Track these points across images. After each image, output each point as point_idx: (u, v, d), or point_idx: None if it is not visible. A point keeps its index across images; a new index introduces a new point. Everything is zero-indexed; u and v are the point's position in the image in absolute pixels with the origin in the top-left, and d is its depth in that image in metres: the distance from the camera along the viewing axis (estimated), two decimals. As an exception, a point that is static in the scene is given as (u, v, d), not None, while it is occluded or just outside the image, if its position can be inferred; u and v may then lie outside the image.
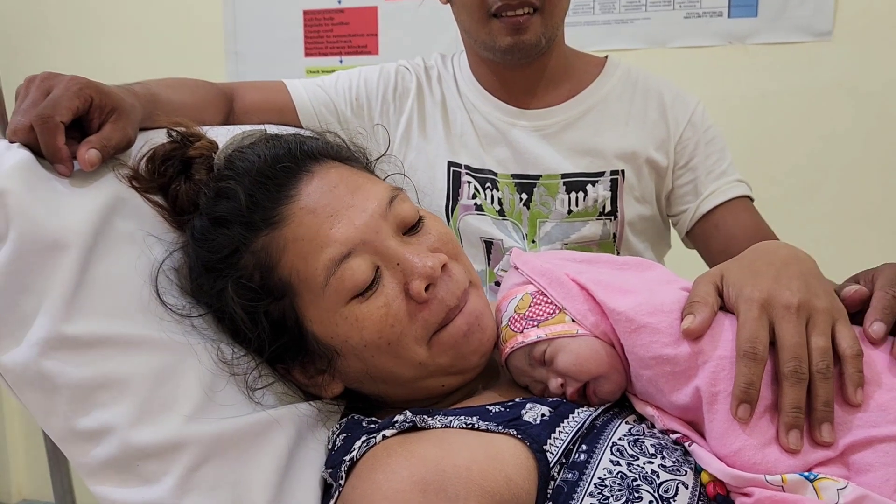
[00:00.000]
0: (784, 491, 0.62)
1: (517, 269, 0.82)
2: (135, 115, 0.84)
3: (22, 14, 2.31)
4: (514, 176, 1.16)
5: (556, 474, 0.66)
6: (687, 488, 0.65)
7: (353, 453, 0.68)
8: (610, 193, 1.15)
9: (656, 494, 0.64)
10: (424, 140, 1.21)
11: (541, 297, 0.78)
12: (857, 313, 0.72)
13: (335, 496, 0.68)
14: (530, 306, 0.77)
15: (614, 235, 1.17)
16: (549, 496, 0.65)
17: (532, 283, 0.79)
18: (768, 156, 1.86)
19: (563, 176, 1.15)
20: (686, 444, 0.70)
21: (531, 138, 1.16)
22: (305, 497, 0.72)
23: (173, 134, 0.83)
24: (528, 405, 0.72)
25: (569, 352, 0.74)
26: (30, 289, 0.70)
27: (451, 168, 1.19)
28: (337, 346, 0.75)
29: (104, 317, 0.72)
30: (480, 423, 0.69)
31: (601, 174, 1.15)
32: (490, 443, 0.67)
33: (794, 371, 0.65)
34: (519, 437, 0.67)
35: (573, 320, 0.75)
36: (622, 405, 0.77)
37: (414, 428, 0.69)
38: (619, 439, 0.69)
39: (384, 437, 0.68)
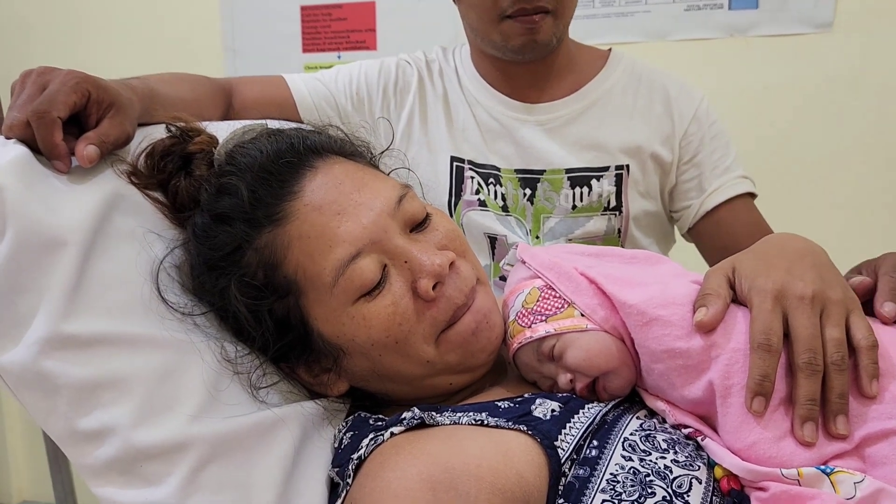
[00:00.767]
0: (800, 485, 0.62)
1: (524, 263, 0.81)
2: (133, 110, 0.83)
3: (18, 10, 2.30)
4: (517, 171, 1.15)
5: (567, 470, 0.65)
6: (700, 483, 0.65)
7: (361, 451, 0.68)
8: (615, 188, 1.14)
9: (670, 490, 0.63)
10: (426, 135, 1.19)
11: (549, 292, 0.77)
12: (865, 304, 0.71)
13: (343, 495, 0.67)
14: (538, 301, 0.76)
15: (619, 231, 1.16)
16: (560, 493, 0.64)
17: (540, 277, 0.78)
18: (769, 148, 1.86)
19: (568, 171, 1.14)
20: (699, 439, 0.69)
21: (535, 133, 1.15)
22: (312, 496, 0.71)
23: (172, 129, 0.82)
24: (537, 401, 0.71)
25: (578, 347, 0.73)
26: (28, 288, 0.69)
27: (454, 163, 1.18)
28: (343, 344, 0.74)
29: (104, 315, 0.71)
30: (490, 419, 0.68)
31: (606, 169, 1.14)
32: (500, 439, 0.66)
33: (809, 363, 0.65)
34: (529, 433, 0.66)
35: (582, 315, 0.74)
36: (632, 400, 0.76)
37: (422, 425, 0.68)
38: (631, 434, 0.69)
39: (392, 434, 0.67)
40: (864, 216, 1.86)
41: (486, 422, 0.68)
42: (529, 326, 0.76)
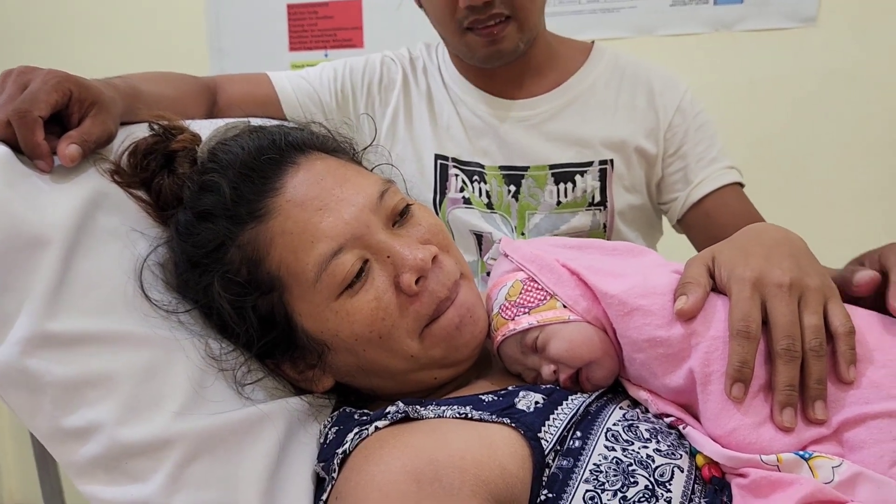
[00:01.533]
0: (780, 470, 0.62)
1: (507, 256, 0.82)
2: (115, 108, 0.83)
3: (2, 11, 2.29)
4: (501, 168, 1.15)
5: (550, 462, 0.65)
6: (682, 472, 0.65)
7: (346, 446, 0.68)
8: (599, 183, 1.13)
9: (652, 479, 0.64)
10: (411, 132, 1.19)
11: (531, 284, 0.77)
12: (876, 298, 0.72)
13: (328, 489, 0.67)
14: (521, 293, 0.77)
15: (604, 226, 1.15)
16: (544, 484, 0.64)
17: (522, 270, 0.79)
18: (757, 142, 1.86)
19: (551, 167, 1.14)
20: (680, 427, 0.70)
21: (518, 129, 1.15)
22: (298, 491, 0.71)
23: (155, 127, 0.82)
24: (521, 393, 0.71)
25: (561, 338, 0.74)
26: (11, 287, 0.69)
27: (439, 161, 1.18)
28: (327, 340, 0.74)
29: (88, 313, 0.70)
30: (474, 412, 0.68)
31: (589, 164, 1.13)
32: (484, 432, 0.66)
33: (788, 349, 0.65)
34: (513, 425, 0.67)
35: (564, 306, 0.75)
36: (615, 391, 0.77)
37: (406, 419, 0.69)
38: (614, 425, 0.69)
39: (376, 428, 0.68)
40: (852, 210, 1.87)
41: (470, 415, 0.68)
42: (513, 319, 0.76)
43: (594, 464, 0.65)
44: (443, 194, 1.17)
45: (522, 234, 1.16)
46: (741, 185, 1.16)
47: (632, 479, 0.63)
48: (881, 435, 0.62)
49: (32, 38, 2.27)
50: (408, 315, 0.73)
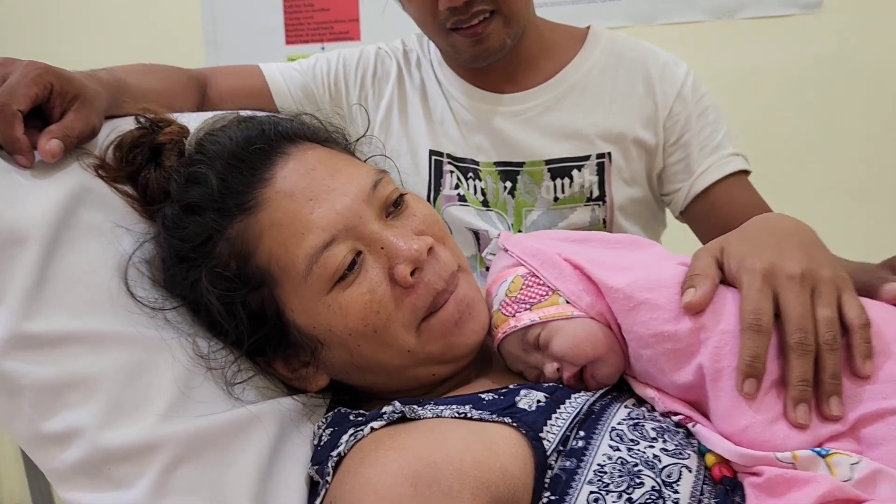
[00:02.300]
0: (795, 468, 0.60)
1: (506, 250, 0.80)
2: (99, 101, 0.80)
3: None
4: (496, 164, 1.12)
5: (553, 462, 0.63)
6: (690, 472, 0.63)
7: (341, 448, 0.66)
8: (597, 178, 1.10)
9: (659, 479, 0.62)
10: (405, 127, 1.17)
11: (533, 279, 0.75)
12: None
13: (322, 493, 0.65)
14: (522, 289, 0.75)
15: (604, 221, 1.12)
16: (546, 485, 0.62)
17: (523, 265, 0.76)
18: (759, 131, 1.84)
19: (548, 162, 1.10)
20: (689, 426, 0.67)
21: (511, 124, 1.12)
22: (290, 496, 0.68)
23: (141, 120, 0.80)
24: (522, 392, 0.69)
25: (564, 335, 0.72)
26: None
27: (433, 157, 1.15)
28: (320, 335, 0.72)
29: (69, 313, 0.68)
30: (473, 411, 0.66)
31: (586, 158, 1.10)
32: (484, 432, 0.64)
33: (801, 343, 0.63)
34: (514, 425, 0.65)
35: (567, 302, 0.73)
36: (621, 388, 0.75)
37: (403, 419, 0.67)
38: (619, 424, 0.67)
39: (372, 429, 0.66)
40: (853, 198, 1.86)
41: (469, 414, 0.66)
42: (514, 315, 0.74)
43: (598, 464, 0.63)
44: (437, 191, 1.15)
45: (519, 231, 1.13)
46: (747, 172, 1.12)
47: (637, 480, 0.61)
48: None
49: (22, 32, 2.25)
50: (404, 308, 0.71)
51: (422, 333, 0.72)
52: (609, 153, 1.10)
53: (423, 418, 0.67)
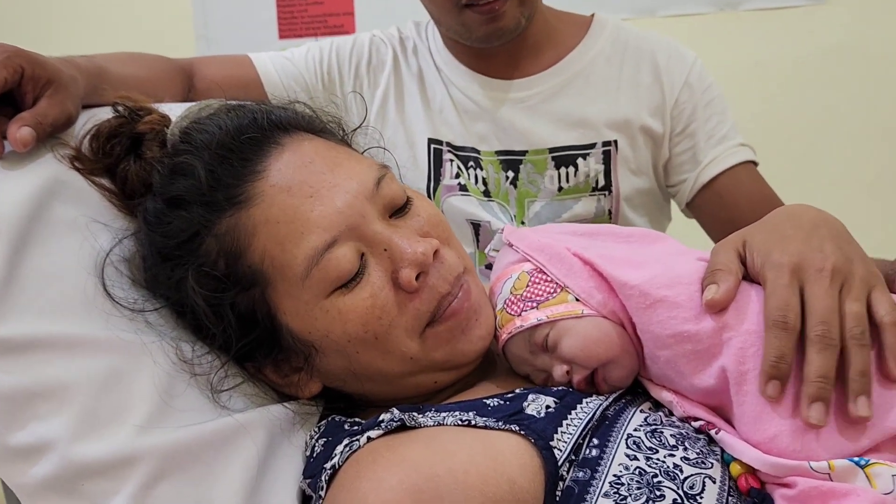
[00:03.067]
0: (832, 479, 0.56)
1: (511, 246, 0.76)
2: (75, 88, 0.76)
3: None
4: (498, 153, 1.10)
5: (565, 473, 0.60)
6: (715, 483, 0.59)
7: (335, 459, 0.62)
8: (602, 167, 1.08)
9: (680, 491, 0.58)
10: (402, 116, 1.14)
11: (539, 276, 0.71)
12: None
13: (315, 509, 0.61)
14: (528, 286, 0.71)
15: (609, 212, 1.10)
16: (558, 498, 0.58)
17: (529, 261, 0.73)
18: (764, 124, 1.84)
19: (551, 150, 1.08)
20: (712, 432, 0.64)
21: (514, 111, 1.10)
22: (281, 512, 0.65)
23: (120, 109, 0.76)
24: (530, 396, 0.66)
25: (574, 335, 0.68)
26: None
27: (432, 146, 1.13)
28: (315, 341, 0.68)
29: (40, 315, 0.64)
30: (478, 419, 0.63)
31: (592, 146, 1.08)
32: (489, 441, 0.61)
33: (823, 336, 0.59)
34: (522, 433, 0.61)
35: (577, 299, 0.69)
36: (635, 391, 0.71)
37: (402, 427, 0.63)
38: (635, 430, 0.63)
39: (369, 438, 0.62)
40: (859, 190, 1.86)
41: (473, 422, 0.62)
42: (519, 314, 0.70)
43: (614, 475, 0.59)
44: (437, 181, 1.12)
45: (522, 223, 1.11)
46: (755, 163, 1.11)
47: (658, 493, 0.57)
48: None
49: (10, 27, 2.24)
50: (407, 313, 0.67)
51: (426, 340, 0.68)
52: (615, 141, 1.08)
53: (424, 426, 0.63)
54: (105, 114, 0.77)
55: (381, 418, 0.63)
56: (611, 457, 0.60)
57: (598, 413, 0.64)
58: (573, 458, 0.60)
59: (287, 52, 1.16)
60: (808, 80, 1.85)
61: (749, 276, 0.66)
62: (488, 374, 0.76)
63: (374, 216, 0.68)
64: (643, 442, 0.62)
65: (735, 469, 0.61)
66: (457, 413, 0.64)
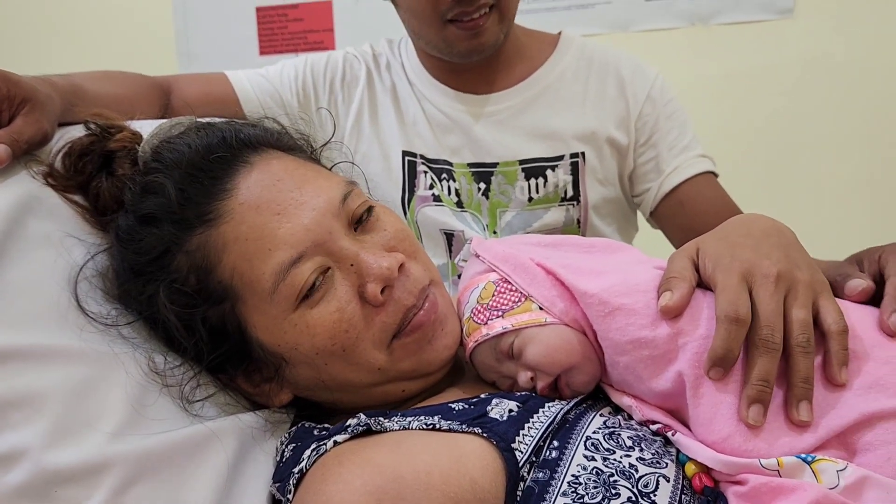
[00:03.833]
0: (781, 475, 0.58)
1: (478, 256, 0.77)
2: (51, 106, 0.77)
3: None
4: (470, 165, 1.12)
5: (525, 474, 0.61)
6: (668, 481, 0.61)
7: (303, 463, 0.63)
8: (571, 177, 1.11)
9: (635, 490, 0.59)
10: (376, 129, 1.16)
11: (505, 286, 0.72)
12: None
13: (284, 513, 0.62)
14: (494, 295, 0.72)
15: (578, 221, 1.12)
16: (518, 498, 0.60)
17: (495, 271, 0.74)
18: (736, 136, 1.86)
19: (521, 162, 1.11)
20: (669, 434, 0.65)
21: (485, 125, 1.12)
22: (251, 515, 0.65)
23: (91, 126, 0.77)
24: (494, 401, 0.67)
25: (538, 342, 0.69)
26: None
27: (406, 158, 1.14)
28: (285, 353, 0.69)
29: (13, 327, 0.64)
30: (442, 422, 0.64)
31: (560, 158, 1.10)
32: (453, 444, 0.62)
33: (766, 339, 0.61)
34: (484, 435, 0.62)
35: (540, 308, 0.70)
36: (596, 397, 0.72)
37: (369, 432, 0.64)
38: (594, 433, 0.64)
39: (335, 443, 0.63)
40: (833, 202, 1.87)
41: (438, 425, 0.64)
42: (485, 323, 0.71)
43: (572, 475, 0.60)
44: (411, 192, 1.14)
45: (494, 232, 1.13)
46: (715, 174, 1.13)
47: (613, 491, 0.59)
48: (889, 436, 0.58)
49: (-8, 44, 2.22)
50: (373, 326, 0.68)
51: (393, 351, 0.69)
52: (583, 153, 1.10)
53: (390, 430, 0.64)
54: (77, 131, 0.78)
55: (347, 423, 0.64)
56: (569, 458, 0.61)
57: (559, 417, 0.65)
58: (534, 459, 0.61)
59: (262, 70, 1.17)
60: (778, 91, 1.86)
61: (703, 284, 0.67)
62: (456, 380, 0.77)
63: (341, 232, 0.69)
64: (601, 443, 0.63)
65: (690, 469, 0.62)
66: (422, 417, 0.64)
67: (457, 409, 0.66)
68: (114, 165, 0.75)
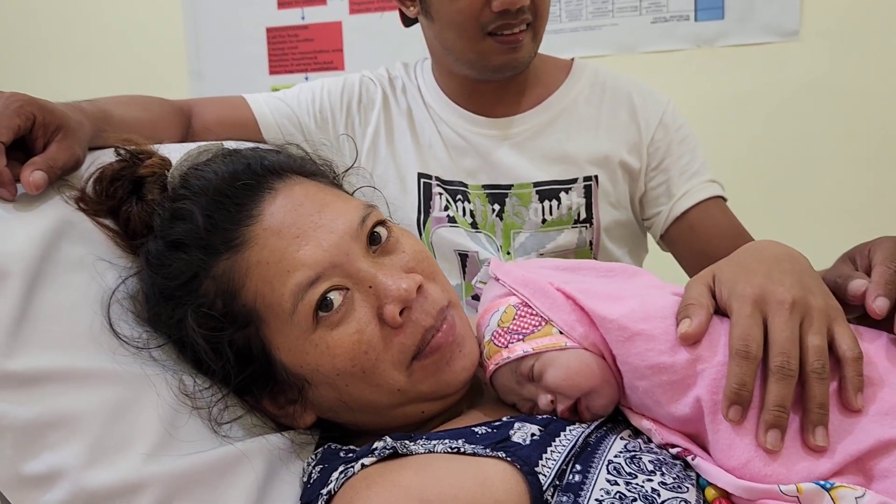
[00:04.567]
0: (800, 502, 0.59)
1: (498, 280, 0.78)
2: (83, 132, 0.79)
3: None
4: (485, 187, 1.13)
5: (549, 498, 0.61)
6: None
7: (331, 485, 0.64)
8: (584, 200, 1.12)
9: None
10: (392, 152, 1.17)
11: (525, 309, 0.73)
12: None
13: (312, 534, 0.63)
14: (514, 319, 0.73)
15: (591, 243, 1.14)
16: None
17: (515, 295, 0.75)
18: (739, 157, 1.87)
19: (536, 184, 1.12)
20: (688, 458, 0.66)
21: (500, 147, 1.13)
22: (280, 534, 0.66)
23: (122, 152, 0.79)
24: (516, 425, 0.68)
25: (558, 366, 0.70)
26: None
27: (422, 179, 1.16)
28: (307, 374, 0.70)
29: (51, 350, 0.66)
30: (466, 446, 0.65)
31: (574, 181, 1.12)
32: (477, 467, 0.62)
33: (782, 367, 0.62)
34: (508, 459, 0.63)
35: (560, 332, 0.71)
36: (616, 419, 0.73)
37: (395, 455, 0.65)
38: (615, 457, 0.65)
39: (363, 465, 0.64)
40: (836, 222, 1.87)
41: (462, 449, 0.64)
42: (506, 346, 0.72)
43: (596, 500, 0.61)
44: (427, 213, 1.15)
45: (508, 253, 1.14)
46: (724, 199, 1.15)
47: None
48: None
49: (6, 64, 2.24)
50: (392, 347, 0.69)
51: (412, 373, 0.70)
52: (596, 176, 1.12)
53: (416, 454, 0.65)
54: (108, 156, 0.80)
55: (374, 446, 0.65)
56: (593, 482, 0.62)
57: (581, 440, 0.66)
58: (557, 483, 0.62)
59: (279, 93, 1.18)
60: (784, 113, 1.87)
61: (720, 310, 0.69)
62: (476, 402, 0.78)
63: (359, 254, 0.70)
64: (623, 467, 0.64)
65: (710, 493, 0.63)
66: (446, 441, 0.65)
67: (480, 432, 0.67)
68: (143, 191, 0.77)
